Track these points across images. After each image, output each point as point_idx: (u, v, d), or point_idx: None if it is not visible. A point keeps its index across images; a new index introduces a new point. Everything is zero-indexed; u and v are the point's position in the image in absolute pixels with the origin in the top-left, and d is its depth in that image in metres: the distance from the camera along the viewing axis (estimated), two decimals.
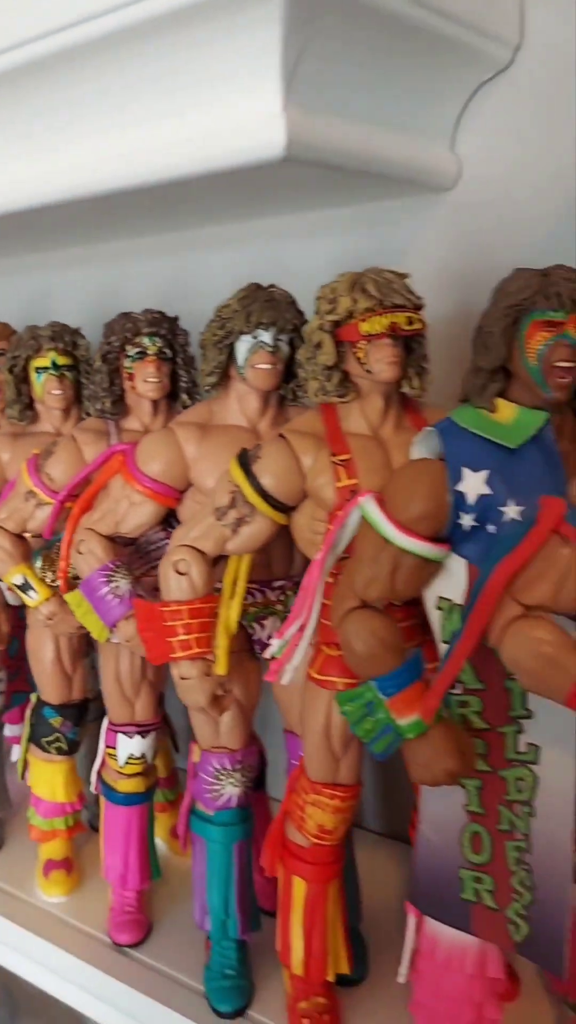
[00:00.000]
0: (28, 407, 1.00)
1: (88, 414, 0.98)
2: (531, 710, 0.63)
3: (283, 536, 0.77)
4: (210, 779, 0.85)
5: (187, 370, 0.91)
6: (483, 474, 0.61)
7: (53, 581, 0.95)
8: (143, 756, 0.95)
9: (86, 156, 0.82)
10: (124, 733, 0.94)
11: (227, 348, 0.79)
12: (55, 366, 0.96)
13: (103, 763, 0.97)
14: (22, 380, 0.98)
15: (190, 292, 1.09)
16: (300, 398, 0.82)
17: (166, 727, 1.08)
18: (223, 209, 0.97)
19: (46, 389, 0.97)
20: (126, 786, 0.95)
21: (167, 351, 0.89)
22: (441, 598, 0.64)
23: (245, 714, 0.85)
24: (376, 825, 1.11)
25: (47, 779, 1.05)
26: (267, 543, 0.76)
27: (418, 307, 0.70)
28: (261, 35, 0.67)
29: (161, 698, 0.99)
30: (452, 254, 0.92)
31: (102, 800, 0.98)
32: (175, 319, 0.91)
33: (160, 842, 1.06)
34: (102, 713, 0.98)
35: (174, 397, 0.93)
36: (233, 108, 0.72)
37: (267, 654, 0.72)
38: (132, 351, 0.88)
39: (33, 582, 0.95)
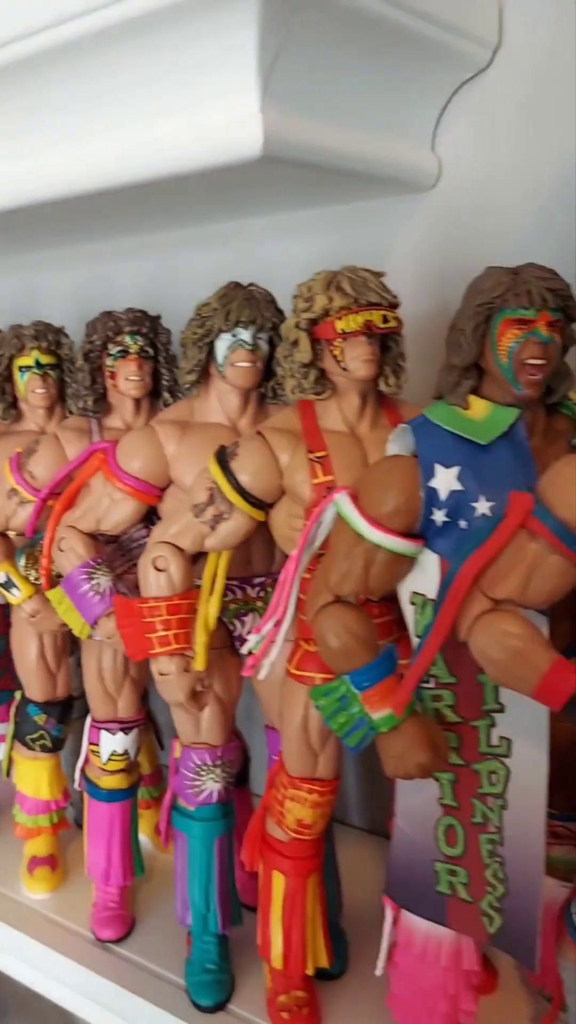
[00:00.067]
0: (12, 406, 1.01)
1: (71, 412, 0.98)
2: (503, 704, 0.63)
3: (263, 533, 0.78)
4: (191, 775, 0.85)
5: (169, 368, 0.92)
6: (455, 470, 0.61)
7: (36, 579, 0.96)
8: (126, 752, 0.95)
9: (64, 157, 0.82)
10: (107, 730, 0.95)
11: (207, 346, 0.80)
12: (38, 365, 0.97)
13: (86, 760, 0.97)
14: (6, 379, 0.99)
15: (174, 291, 1.09)
16: (280, 396, 0.83)
17: (150, 724, 1.08)
18: (205, 209, 0.98)
19: (29, 388, 0.98)
20: (109, 783, 0.96)
21: (149, 350, 0.90)
22: (415, 593, 0.64)
23: (226, 710, 0.85)
24: (360, 821, 1.12)
25: (32, 776, 1.05)
26: (246, 540, 0.77)
27: (394, 305, 0.71)
28: (238, 36, 0.68)
29: (145, 695, 0.99)
30: (433, 253, 0.92)
31: (86, 797, 0.98)
32: (157, 318, 0.92)
33: (144, 839, 1.07)
34: (87, 711, 0.99)
35: (156, 395, 0.93)
36: (211, 108, 0.72)
37: (244, 650, 0.72)
38: (114, 349, 0.89)
39: (16, 580, 0.96)
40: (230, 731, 0.87)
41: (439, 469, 0.62)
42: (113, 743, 0.94)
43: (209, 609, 0.77)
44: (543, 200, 0.85)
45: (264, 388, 0.83)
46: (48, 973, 0.96)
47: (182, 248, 1.12)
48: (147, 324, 0.90)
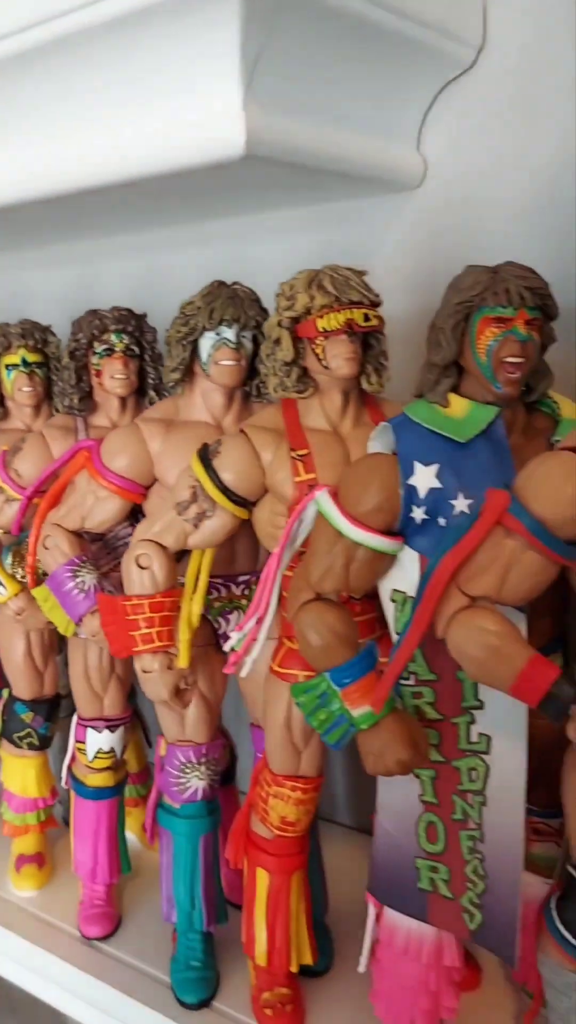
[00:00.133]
0: None
1: (58, 411, 0.99)
2: (483, 701, 0.64)
3: (247, 531, 0.78)
4: (176, 772, 0.85)
5: (155, 367, 0.92)
6: (434, 468, 0.62)
7: (23, 577, 0.96)
8: (112, 750, 0.95)
9: (47, 157, 0.82)
10: (93, 728, 0.95)
11: (191, 345, 0.80)
12: (25, 363, 0.97)
13: (73, 758, 0.97)
14: None
15: (160, 290, 1.09)
16: (264, 394, 0.83)
17: (138, 722, 1.09)
18: (191, 208, 0.98)
19: (16, 386, 0.98)
20: (95, 780, 0.96)
21: (134, 348, 0.90)
22: (395, 591, 0.64)
23: (211, 708, 0.86)
24: (347, 819, 1.12)
25: (19, 774, 1.06)
26: (230, 538, 0.77)
27: (375, 304, 0.71)
28: (220, 34, 0.68)
29: (132, 693, 0.99)
30: (418, 253, 0.92)
31: (72, 794, 0.98)
32: (142, 316, 0.92)
33: (132, 837, 1.07)
34: (75, 709, 0.99)
35: (142, 393, 0.94)
36: (193, 107, 0.72)
37: (226, 647, 0.72)
38: (100, 348, 0.89)
39: (2, 578, 0.96)
40: (215, 729, 0.87)
41: (418, 467, 0.62)
42: (99, 741, 0.95)
43: (192, 607, 0.78)
44: (528, 199, 0.85)
45: (248, 386, 0.83)
46: (34, 970, 0.96)
47: (169, 247, 1.12)
48: (133, 322, 0.90)
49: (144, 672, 0.78)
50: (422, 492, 0.61)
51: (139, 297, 0.99)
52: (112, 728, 0.95)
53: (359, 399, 0.75)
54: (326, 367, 0.71)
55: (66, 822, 1.10)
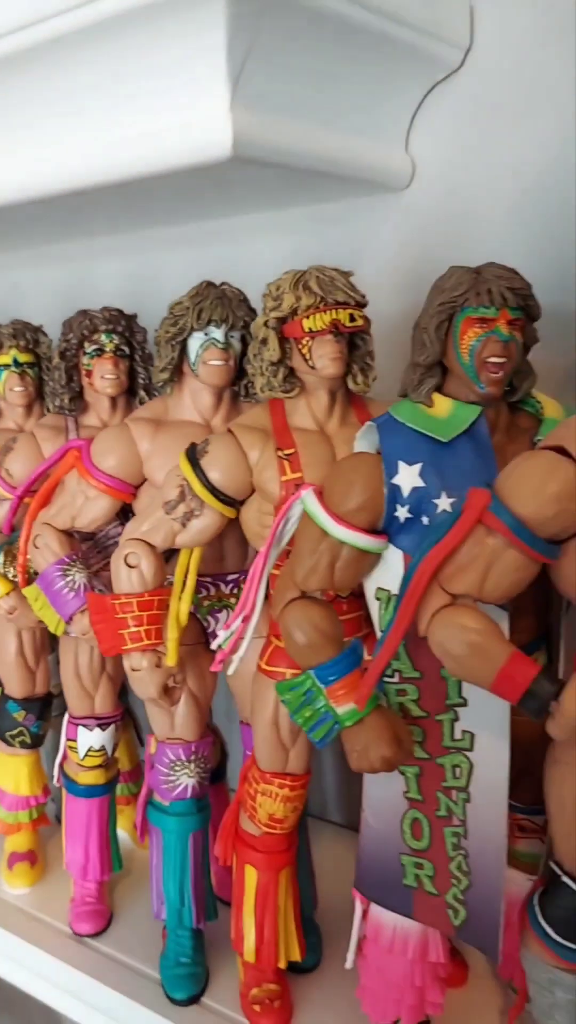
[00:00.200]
0: None
1: (49, 411, 0.99)
2: (466, 698, 0.64)
3: (236, 530, 0.79)
4: (165, 770, 0.86)
5: (145, 367, 0.92)
6: (417, 467, 0.62)
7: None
8: (103, 748, 0.96)
9: (34, 159, 0.83)
10: (84, 726, 0.95)
11: (180, 345, 0.81)
12: (16, 363, 0.98)
13: (64, 756, 0.98)
14: None
15: (152, 290, 1.10)
16: (253, 394, 0.84)
17: (130, 721, 1.09)
18: (181, 209, 0.98)
19: (7, 386, 0.98)
20: (87, 778, 0.96)
21: (124, 348, 0.91)
22: (379, 589, 0.65)
23: (200, 706, 0.86)
24: (336, 817, 1.12)
25: (12, 772, 1.06)
26: (218, 537, 0.78)
27: (361, 304, 0.71)
28: (207, 37, 0.68)
29: (123, 691, 1.00)
30: (406, 254, 0.93)
31: (64, 792, 0.99)
32: (133, 316, 0.93)
33: (123, 834, 1.07)
34: (67, 708, 0.99)
35: (133, 393, 0.94)
36: (181, 109, 0.73)
37: (213, 645, 0.73)
38: (90, 348, 0.90)
39: None
40: (204, 726, 0.88)
41: (402, 466, 0.62)
42: (90, 739, 0.95)
43: (180, 606, 0.78)
44: (516, 200, 0.86)
45: (237, 386, 0.84)
46: (25, 966, 0.96)
47: (159, 247, 1.13)
48: (123, 323, 0.91)
49: (133, 670, 0.78)
50: (406, 491, 0.62)
51: (131, 297, 0.99)
52: (103, 726, 0.95)
53: (345, 399, 0.75)
54: (312, 367, 0.71)
55: (58, 820, 1.10)
